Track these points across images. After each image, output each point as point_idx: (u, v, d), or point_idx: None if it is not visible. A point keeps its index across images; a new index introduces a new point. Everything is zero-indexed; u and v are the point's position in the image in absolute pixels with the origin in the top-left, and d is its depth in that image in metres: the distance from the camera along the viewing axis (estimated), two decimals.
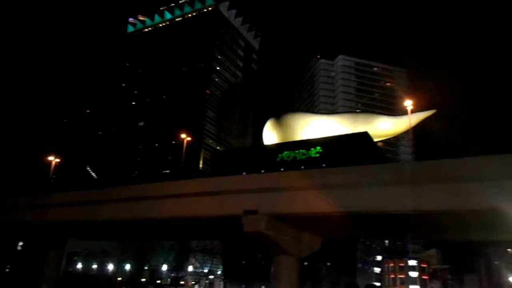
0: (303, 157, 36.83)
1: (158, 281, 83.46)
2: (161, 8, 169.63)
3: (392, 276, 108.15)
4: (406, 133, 50.61)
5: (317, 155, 36.11)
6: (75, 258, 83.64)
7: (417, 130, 44.67)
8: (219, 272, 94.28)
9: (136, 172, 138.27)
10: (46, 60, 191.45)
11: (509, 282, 73.96)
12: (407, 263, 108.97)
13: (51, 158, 52.71)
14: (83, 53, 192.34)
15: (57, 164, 54.15)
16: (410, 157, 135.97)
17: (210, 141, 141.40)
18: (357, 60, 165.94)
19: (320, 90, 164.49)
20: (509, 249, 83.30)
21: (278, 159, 37.96)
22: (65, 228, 43.08)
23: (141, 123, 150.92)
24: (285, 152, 37.91)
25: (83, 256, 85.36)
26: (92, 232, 48.04)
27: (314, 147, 36.62)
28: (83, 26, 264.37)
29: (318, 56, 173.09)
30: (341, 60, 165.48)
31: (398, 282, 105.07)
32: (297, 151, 37.37)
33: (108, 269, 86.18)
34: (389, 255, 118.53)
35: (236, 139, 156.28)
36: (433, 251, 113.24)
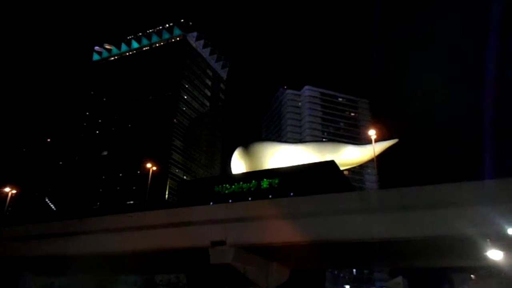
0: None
1: None
2: (128, 37, 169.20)
3: None
4: (370, 161, 51.72)
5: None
6: None
7: (381, 158, 45.70)
8: None
9: (98, 204, 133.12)
10: (3, 85, 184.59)
11: None
12: None
13: (7, 189, 50.08)
14: (45, 80, 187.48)
15: (13, 196, 51.38)
16: (375, 185, 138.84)
17: (177, 171, 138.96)
18: (323, 90, 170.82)
19: (287, 119, 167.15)
20: (472, 275, 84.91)
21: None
22: (19, 263, 40.48)
23: (105, 153, 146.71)
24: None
25: None
26: (49, 267, 45.36)
27: (282, 176, 36.70)
28: (47, 52, 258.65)
29: (285, 87, 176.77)
30: (307, 91, 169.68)
31: None
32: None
33: None
34: (356, 284, 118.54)
35: (203, 168, 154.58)
36: (399, 279, 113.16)
